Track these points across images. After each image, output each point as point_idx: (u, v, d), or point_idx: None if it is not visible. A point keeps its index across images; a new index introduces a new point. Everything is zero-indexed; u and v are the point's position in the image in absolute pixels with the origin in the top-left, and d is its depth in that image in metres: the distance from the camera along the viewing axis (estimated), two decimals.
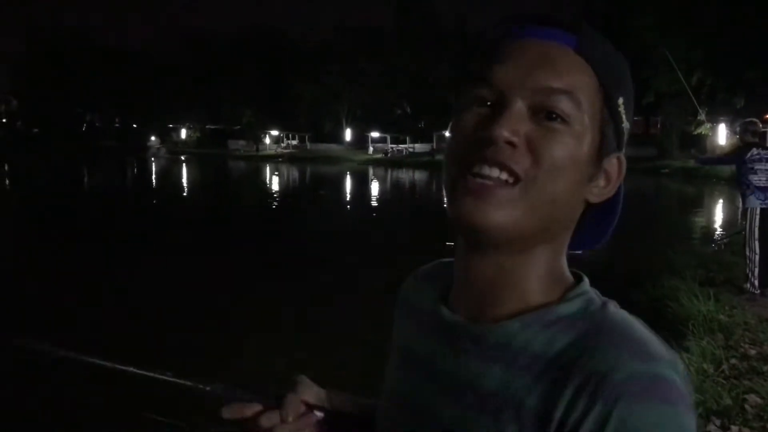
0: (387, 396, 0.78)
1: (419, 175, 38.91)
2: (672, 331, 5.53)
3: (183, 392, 0.77)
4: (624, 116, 0.68)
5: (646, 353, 0.58)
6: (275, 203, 24.05)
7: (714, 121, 37.05)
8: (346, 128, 66.45)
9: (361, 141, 62.55)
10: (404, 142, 57.83)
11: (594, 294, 0.67)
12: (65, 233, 14.57)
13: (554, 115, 0.63)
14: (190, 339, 6.61)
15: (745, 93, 33.23)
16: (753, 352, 5.00)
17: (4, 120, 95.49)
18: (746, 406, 3.93)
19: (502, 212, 0.63)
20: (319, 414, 0.80)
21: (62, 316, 7.39)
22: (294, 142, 68.60)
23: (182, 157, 63.49)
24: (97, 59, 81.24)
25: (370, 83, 61.62)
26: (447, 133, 0.70)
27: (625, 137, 0.70)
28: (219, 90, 70.16)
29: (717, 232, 14.08)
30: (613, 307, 0.65)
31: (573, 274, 0.71)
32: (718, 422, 3.73)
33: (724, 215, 17.86)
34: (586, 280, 0.69)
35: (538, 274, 0.67)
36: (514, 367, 0.63)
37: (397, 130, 59.97)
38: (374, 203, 23.92)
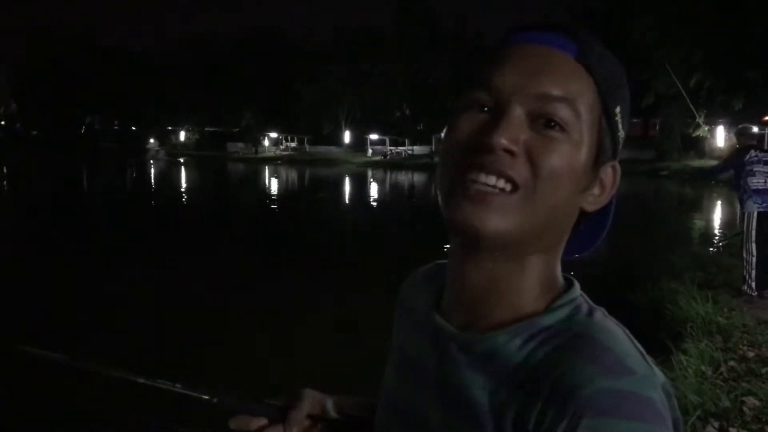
0: (382, 397, 0.79)
1: (418, 178, 38.90)
2: (670, 333, 5.54)
3: (190, 403, 0.78)
4: (620, 125, 0.68)
5: (618, 368, 0.57)
6: (274, 206, 24.04)
7: (712, 123, 37.10)
8: (345, 130, 66.45)
9: (360, 143, 62.54)
10: (403, 145, 57.80)
11: (582, 301, 0.67)
12: (62, 236, 14.56)
13: (553, 123, 0.63)
14: (189, 342, 6.61)
15: (743, 95, 33.24)
16: (751, 354, 5.00)
17: (3, 122, 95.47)
18: (744, 408, 3.93)
19: (500, 219, 0.62)
20: (323, 425, 0.82)
21: (60, 321, 7.40)
22: (293, 145, 68.58)
23: (181, 160, 63.48)
24: (97, 61, 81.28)
25: (369, 85, 61.65)
26: (443, 135, 0.70)
27: (620, 145, 0.69)
28: (218, 92, 70.16)
29: (715, 235, 14.10)
30: (599, 316, 0.64)
31: (565, 279, 0.71)
32: (716, 424, 3.73)
33: (722, 217, 17.88)
34: (576, 286, 0.69)
35: (530, 283, 0.67)
36: (498, 378, 0.63)
37: (396, 133, 59.95)
38: (373, 206, 23.93)
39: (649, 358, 0.61)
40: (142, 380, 0.76)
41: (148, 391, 0.78)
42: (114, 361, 0.77)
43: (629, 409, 0.54)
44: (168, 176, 43.18)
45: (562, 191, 0.64)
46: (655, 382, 0.58)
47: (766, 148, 7.22)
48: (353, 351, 6.28)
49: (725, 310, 6.20)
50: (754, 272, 6.85)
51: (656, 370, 0.60)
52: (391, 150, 57.20)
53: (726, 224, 15.73)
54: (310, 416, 0.80)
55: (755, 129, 28.31)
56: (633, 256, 10.55)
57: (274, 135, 70.61)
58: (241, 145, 72.34)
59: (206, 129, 78.71)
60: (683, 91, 15.00)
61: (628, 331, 0.63)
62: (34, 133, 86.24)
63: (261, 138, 71.22)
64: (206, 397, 0.78)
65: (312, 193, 31.01)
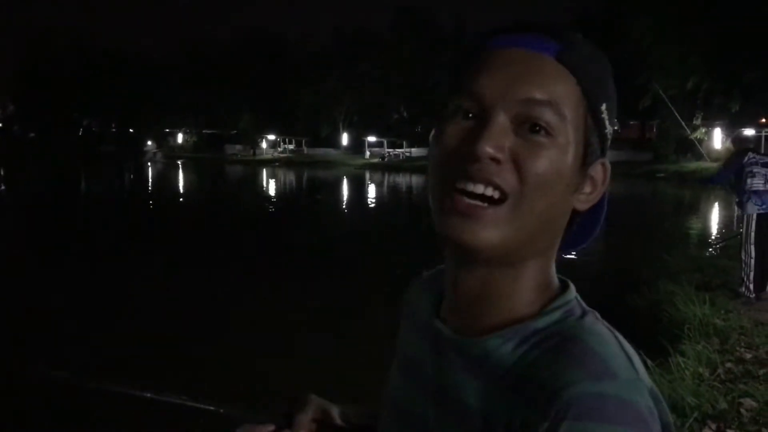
0: (384, 399, 0.80)
1: (416, 180, 38.89)
2: (668, 335, 5.55)
3: (198, 416, 0.79)
4: (607, 122, 0.67)
5: (602, 372, 0.57)
6: (271, 208, 24.02)
7: (710, 125, 37.18)
8: (343, 133, 66.45)
9: (358, 145, 62.54)
10: (401, 147, 57.81)
11: (575, 304, 0.66)
12: (58, 239, 14.54)
13: (538, 128, 0.62)
14: (186, 348, 6.61)
15: (740, 97, 33.32)
16: (748, 355, 5.01)
17: (0, 125, 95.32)
18: (742, 410, 3.94)
19: (490, 231, 0.62)
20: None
21: (48, 328, 7.39)
22: (291, 147, 68.57)
23: (179, 162, 63.44)
24: (95, 64, 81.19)
25: (367, 87, 61.67)
26: (430, 142, 0.69)
27: (609, 141, 0.69)
28: (216, 94, 70.13)
29: (713, 237, 14.12)
30: (590, 319, 0.64)
31: (560, 281, 0.70)
32: (713, 426, 3.74)
33: (719, 219, 17.91)
34: (572, 289, 0.69)
35: (524, 287, 0.67)
36: (489, 380, 0.64)
37: (394, 135, 59.96)
38: (371, 209, 23.93)
39: (637, 363, 0.60)
40: (149, 395, 0.77)
41: (155, 406, 0.78)
42: (113, 375, 0.78)
43: (610, 413, 0.54)
44: (166, 178, 43.14)
45: (551, 195, 0.63)
46: (640, 386, 0.57)
47: (762, 150, 7.23)
48: (353, 354, 6.29)
49: (722, 312, 6.21)
50: (752, 274, 6.87)
51: (643, 375, 0.59)
52: (389, 152, 57.20)
53: (723, 226, 15.75)
54: (315, 421, 0.82)
55: (752, 131, 28.44)
56: (630, 258, 10.56)
57: (271, 137, 70.59)
58: (238, 147, 72.32)
59: (204, 131, 78.65)
60: (667, 101, 14.95)
61: (619, 335, 0.63)
62: (32, 135, 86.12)
63: (259, 140, 71.19)
64: (213, 408, 0.79)
65: (310, 195, 31.01)
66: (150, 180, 42.06)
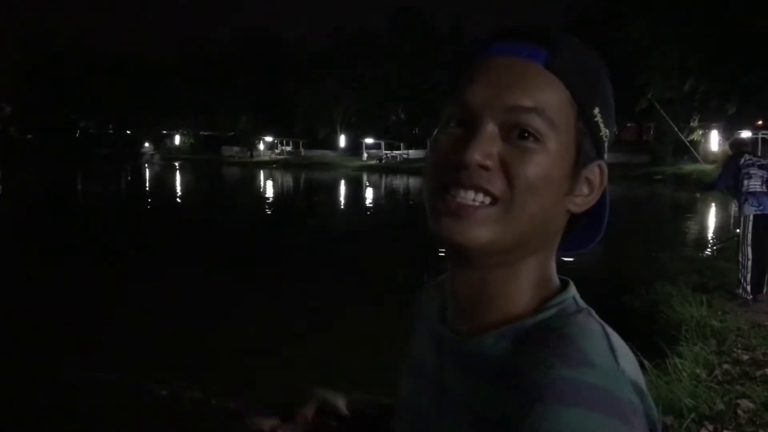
0: (396, 405, 0.82)
1: (414, 182, 38.91)
2: (665, 336, 5.56)
3: (206, 409, 0.81)
4: (602, 125, 0.68)
5: (579, 360, 0.58)
6: (268, 210, 24.01)
7: (706, 127, 37.26)
8: (340, 134, 66.46)
9: (355, 147, 62.55)
10: (398, 149, 57.86)
11: (572, 302, 0.67)
12: (53, 240, 14.52)
13: (526, 134, 0.64)
14: (183, 351, 6.61)
15: (737, 99, 33.40)
16: (745, 357, 5.02)
17: None
18: (739, 411, 3.95)
19: (481, 231, 0.64)
20: (333, 423, 0.84)
21: (53, 328, 7.39)
22: (288, 149, 68.54)
23: (176, 164, 63.39)
24: (92, 65, 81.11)
25: (365, 89, 61.69)
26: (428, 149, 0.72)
27: (606, 143, 0.70)
28: (214, 96, 70.09)
29: (710, 238, 14.15)
30: (582, 315, 0.65)
31: (561, 280, 0.72)
32: (710, 427, 3.75)
33: (716, 221, 17.94)
34: (570, 288, 0.70)
35: (521, 286, 0.68)
36: (481, 377, 0.65)
37: (391, 137, 59.99)
38: (368, 210, 23.93)
39: (622, 357, 0.60)
40: (161, 392, 0.79)
41: (156, 399, 0.80)
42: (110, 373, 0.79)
43: (584, 398, 0.55)
44: (163, 180, 43.11)
45: (541, 198, 0.64)
46: (620, 377, 0.58)
47: (759, 152, 7.26)
48: (351, 355, 6.29)
49: (720, 313, 6.23)
50: (749, 275, 6.88)
51: (627, 368, 0.59)
52: (386, 154, 57.20)
53: (719, 228, 15.78)
54: (320, 413, 0.84)
55: (749, 134, 28.51)
56: (628, 260, 10.57)
57: (269, 139, 70.57)
58: (236, 149, 72.27)
59: (201, 133, 78.58)
60: (660, 107, 15.01)
61: (610, 331, 0.63)
62: (29, 137, 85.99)
63: (256, 142, 71.17)
64: (219, 402, 0.80)
65: (307, 197, 31.00)
66: (147, 182, 42.03)
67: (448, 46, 59.62)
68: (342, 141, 66.36)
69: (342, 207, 26.20)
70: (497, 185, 0.63)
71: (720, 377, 4.54)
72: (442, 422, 0.69)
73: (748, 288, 6.88)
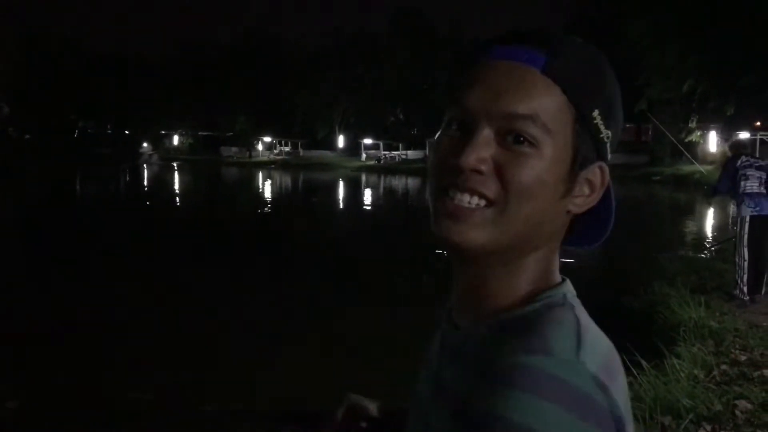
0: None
1: (412, 182, 38.92)
2: (663, 337, 5.57)
3: (240, 421, 0.84)
4: (602, 126, 0.68)
5: (537, 347, 0.59)
6: (267, 211, 24.00)
7: (705, 128, 37.30)
8: (339, 135, 66.47)
9: (354, 148, 62.58)
10: (397, 149, 57.88)
11: (560, 297, 0.68)
12: (49, 241, 14.51)
13: (522, 139, 0.65)
14: (185, 348, 6.61)
15: (736, 100, 33.43)
16: (743, 358, 5.04)
17: None
18: (737, 412, 3.96)
19: (476, 233, 0.66)
20: (363, 425, 0.88)
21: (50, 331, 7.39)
22: (287, 149, 68.54)
23: (174, 164, 63.35)
24: (91, 66, 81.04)
25: (363, 90, 61.70)
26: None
27: (609, 144, 0.70)
28: (212, 96, 70.05)
29: (708, 239, 14.17)
30: (565, 309, 0.66)
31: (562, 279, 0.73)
32: (708, 428, 3.76)
33: (714, 222, 17.96)
34: (565, 284, 0.71)
35: (519, 283, 0.70)
36: (467, 366, 0.67)
37: (390, 137, 60.02)
38: (367, 210, 23.94)
39: (587, 350, 0.60)
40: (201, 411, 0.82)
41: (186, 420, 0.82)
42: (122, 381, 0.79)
43: (529, 383, 0.56)
44: (162, 180, 43.08)
45: (536, 201, 0.66)
46: (578, 369, 0.58)
47: (757, 154, 7.27)
48: (349, 356, 6.30)
49: (717, 314, 6.24)
50: (745, 276, 6.89)
51: (586, 360, 0.59)
52: (385, 154, 57.23)
53: (717, 229, 15.80)
54: (351, 415, 0.88)
55: (747, 135, 28.51)
56: (626, 261, 10.58)
57: (267, 139, 70.56)
58: (234, 149, 72.23)
59: (200, 133, 78.55)
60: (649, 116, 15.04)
61: (587, 326, 0.64)
62: (27, 137, 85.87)
63: (255, 142, 71.14)
64: (249, 413, 0.85)
65: (305, 197, 30.99)
66: (146, 182, 42.01)
67: (447, 47, 59.65)
68: (341, 141, 66.37)
69: (341, 208, 26.21)
70: (492, 188, 0.65)
71: (718, 378, 4.55)
72: (437, 412, 0.70)
73: (745, 289, 6.90)
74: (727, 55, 31.61)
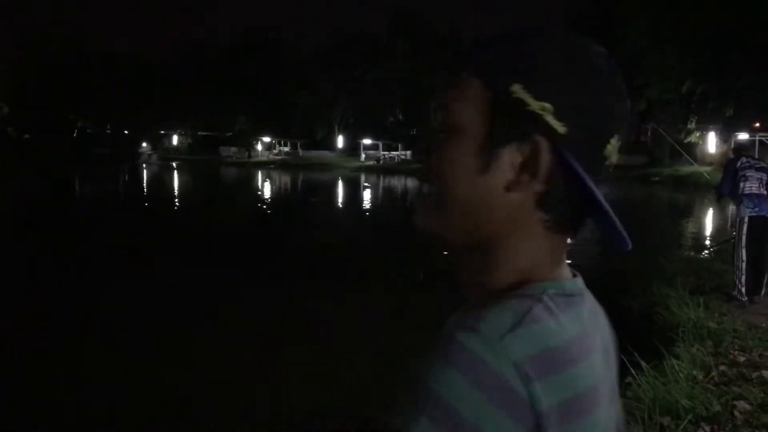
0: None
1: (411, 183, 38.93)
2: (662, 337, 5.57)
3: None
4: (530, 99, 0.65)
5: (469, 325, 0.60)
6: (266, 210, 24.01)
7: (704, 129, 37.34)
8: (338, 135, 66.47)
9: (353, 148, 62.60)
10: (396, 149, 57.91)
11: (539, 291, 0.66)
12: (47, 241, 14.52)
13: (441, 127, 0.70)
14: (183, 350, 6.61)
15: (735, 101, 33.46)
16: (742, 358, 5.04)
17: None
18: (735, 413, 3.97)
19: (424, 219, 0.72)
20: None
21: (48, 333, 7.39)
22: (286, 149, 68.54)
23: (174, 164, 63.35)
24: (90, 65, 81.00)
25: (363, 90, 61.71)
26: None
27: (556, 116, 0.65)
28: (211, 96, 70.02)
29: (707, 240, 14.18)
30: (526, 299, 0.64)
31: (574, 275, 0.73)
32: (707, 428, 3.76)
33: (713, 223, 17.97)
34: (561, 282, 0.69)
35: (500, 275, 0.69)
36: None
37: (389, 137, 60.03)
38: (366, 211, 23.95)
39: (518, 338, 0.59)
40: None
41: None
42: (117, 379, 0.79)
43: (450, 355, 0.59)
44: (161, 181, 43.09)
45: (454, 181, 0.69)
46: (495, 349, 0.58)
47: (757, 155, 7.27)
48: (349, 357, 6.30)
49: (716, 315, 6.24)
50: (743, 277, 6.90)
51: (510, 345, 0.59)
52: (384, 155, 57.27)
53: (716, 230, 15.82)
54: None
55: (746, 136, 28.52)
56: (625, 261, 10.58)
57: (267, 139, 70.56)
58: (234, 149, 72.21)
59: (199, 133, 78.53)
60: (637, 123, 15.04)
61: (537, 316, 0.62)
62: (27, 137, 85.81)
63: (254, 142, 71.14)
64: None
65: (304, 198, 30.99)
66: (145, 182, 42.01)
67: (447, 47, 59.63)
68: (340, 142, 66.38)
69: (339, 208, 26.20)
70: (429, 176, 0.72)
71: (717, 379, 4.56)
72: None
73: (743, 290, 6.90)
74: (727, 56, 31.65)
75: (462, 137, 0.68)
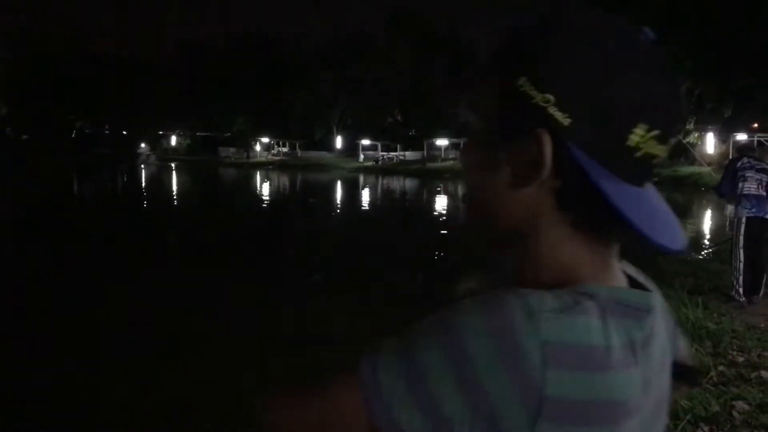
0: None
1: (410, 183, 38.92)
2: None
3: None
4: (534, 92, 0.62)
5: (519, 292, 0.59)
6: (265, 211, 24.00)
7: (702, 130, 37.36)
8: (337, 136, 66.47)
9: (352, 149, 62.58)
10: (395, 150, 57.90)
11: (592, 291, 0.62)
12: (44, 241, 14.50)
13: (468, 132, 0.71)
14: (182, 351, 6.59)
15: (733, 102, 33.50)
16: (741, 359, 5.05)
17: None
18: (734, 413, 3.97)
19: (464, 225, 0.75)
20: None
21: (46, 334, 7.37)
22: (285, 150, 68.51)
23: (172, 165, 63.32)
24: (89, 66, 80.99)
25: (361, 91, 61.73)
26: None
27: (554, 107, 0.62)
28: (210, 97, 70.04)
29: (705, 241, 14.19)
30: (576, 296, 0.61)
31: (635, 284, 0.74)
32: (706, 429, 3.77)
33: (712, 223, 17.98)
34: (602, 287, 0.64)
35: (534, 267, 0.67)
36: None
37: (388, 138, 60.04)
38: (364, 212, 23.94)
39: (562, 324, 0.57)
40: None
41: None
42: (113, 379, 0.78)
43: (485, 302, 0.59)
44: (159, 181, 43.05)
45: (474, 180, 0.71)
46: (533, 319, 0.57)
47: (756, 155, 7.27)
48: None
49: (715, 315, 6.25)
50: (741, 278, 6.90)
51: (550, 321, 0.57)
52: (383, 155, 57.27)
53: (715, 230, 15.82)
54: None
55: (745, 136, 28.53)
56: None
57: (265, 140, 70.54)
58: (232, 149, 72.19)
59: (198, 134, 78.54)
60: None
61: (586, 310, 0.59)
62: (25, 137, 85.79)
63: (253, 143, 71.12)
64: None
65: (303, 198, 30.97)
66: (144, 182, 41.97)
67: (446, 48, 59.69)
68: (339, 142, 66.37)
69: (338, 208, 26.19)
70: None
71: (715, 379, 4.56)
72: None
73: (741, 290, 6.91)
74: (725, 57, 31.68)
75: (478, 138, 0.69)
